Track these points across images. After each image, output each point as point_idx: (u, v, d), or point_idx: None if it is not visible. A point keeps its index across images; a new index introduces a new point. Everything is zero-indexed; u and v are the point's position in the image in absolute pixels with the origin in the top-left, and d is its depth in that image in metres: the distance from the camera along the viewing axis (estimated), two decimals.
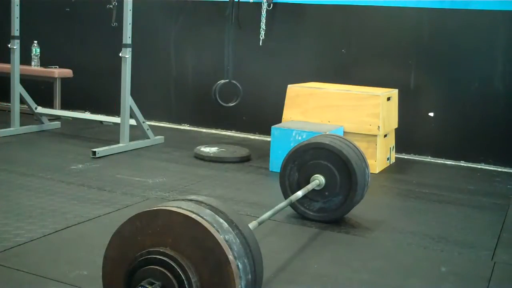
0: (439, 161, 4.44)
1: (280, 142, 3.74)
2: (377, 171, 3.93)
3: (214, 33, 5.05)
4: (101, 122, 5.02)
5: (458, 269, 2.32)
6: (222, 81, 4.47)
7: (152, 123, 5.20)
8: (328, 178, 2.73)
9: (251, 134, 5.10)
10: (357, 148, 2.82)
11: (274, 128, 3.82)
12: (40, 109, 4.84)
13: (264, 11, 4.81)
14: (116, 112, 4.60)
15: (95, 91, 5.68)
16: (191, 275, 1.46)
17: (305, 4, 4.79)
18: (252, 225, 1.91)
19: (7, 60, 4.67)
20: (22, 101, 4.71)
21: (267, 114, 4.75)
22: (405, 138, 4.48)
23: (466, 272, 2.30)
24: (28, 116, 4.97)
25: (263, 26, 4.81)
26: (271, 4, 4.82)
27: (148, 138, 4.43)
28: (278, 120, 4.20)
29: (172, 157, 4.10)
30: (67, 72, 5.43)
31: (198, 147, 4.20)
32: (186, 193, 3.11)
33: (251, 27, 4.82)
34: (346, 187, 2.72)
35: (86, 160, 3.80)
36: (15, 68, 4.59)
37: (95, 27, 5.57)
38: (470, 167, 4.32)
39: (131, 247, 1.53)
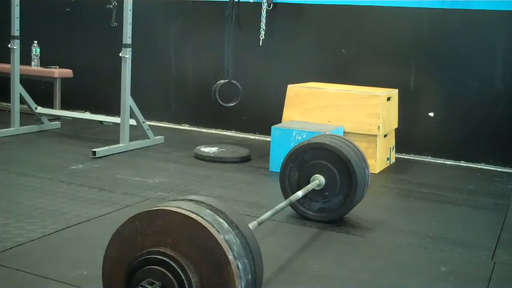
0: (439, 161, 4.44)
1: (280, 142, 3.74)
2: (377, 171, 3.93)
3: (214, 33, 5.05)
4: (101, 122, 5.02)
5: (458, 269, 2.32)
6: (222, 81, 4.47)
7: (152, 123, 5.20)
8: (328, 178, 2.73)
9: (251, 134, 5.09)
10: (357, 148, 2.82)
11: (274, 128, 3.82)
12: (40, 109, 4.84)
13: (264, 11, 4.81)
14: (116, 112, 4.60)
15: (95, 91, 5.68)
16: (191, 275, 1.46)
17: (305, 4, 4.79)
18: (252, 225, 1.91)
19: (7, 60, 4.67)
20: (22, 101, 4.71)
21: (267, 114, 4.75)
22: (405, 138, 4.48)
23: (466, 272, 2.30)
24: (28, 116, 4.97)
25: (263, 26, 4.81)
26: (271, 4, 4.82)
27: (148, 138, 4.43)
28: (278, 120, 4.20)
29: (172, 157, 4.10)
30: (67, 72, 5.43)
31: (198, 147, 4.20)
32: (186, 193, 3.11)
33: (251, 27, 4.82)
34: (346, 187, 2.72)
35: (86, 160, 3.80)
36: (15, 68, 4.59)
37: (95, 27, 5.57)
38: (470, 167, 4.32)
39: (131, 247, 1.53)
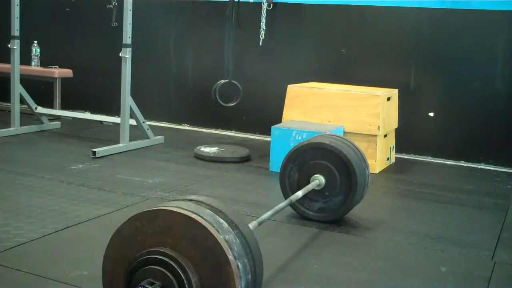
0: (439, 161, 4.44)
1: (280, 142, 3.74)
2: (377, 171, 3.93)
3: (214, 33, 5.05)
4: (101, 122, 5.02)
5: (458, 269, 2.32)
6: (222, 81, 4.47)
7: (152, 123, 5.19)
8: (328, 178, 2.73)
9: (251, 134, 5.09)
10: (357, 148, 2.82)
11: (274, 128, 3.82)
12: (40, 109, 4.84)
13: (264, 11, 4.80)
14: (116, 112, 4.60)
15: (95, 91, 5.68)
16: (191, 275, 1.46)
17: (305, 4, 4.79)
18: (252, 225, 1.90)
19: (7, 60, 4.67)
20: (22, 101, 4.71)
21: (267, 114, 4.75)
22: (405, 138, 4.48)
23: (466, 272, 2.30)
24: (28, 116, 4.97)
25: (263, 26, 4.81)
26: (271, 4, 4.81)
27: (148, 138, 4.43)
28: (278, 120, 4.20)
29: (172, 157, 4.10)
30: (67, 72, 5.43)
31: (198, 147, 4.20)
32: (186, 193, 3.11)
33: (251, 27, 4.82)
34: (346, 187, 2.72)
35: (86, 160, 3.80)
36: (15, 68, 4.59)
37: (95, 27, 5.57)
38: (470, 167, 4.32)
39: (131, 247, 1.53)
